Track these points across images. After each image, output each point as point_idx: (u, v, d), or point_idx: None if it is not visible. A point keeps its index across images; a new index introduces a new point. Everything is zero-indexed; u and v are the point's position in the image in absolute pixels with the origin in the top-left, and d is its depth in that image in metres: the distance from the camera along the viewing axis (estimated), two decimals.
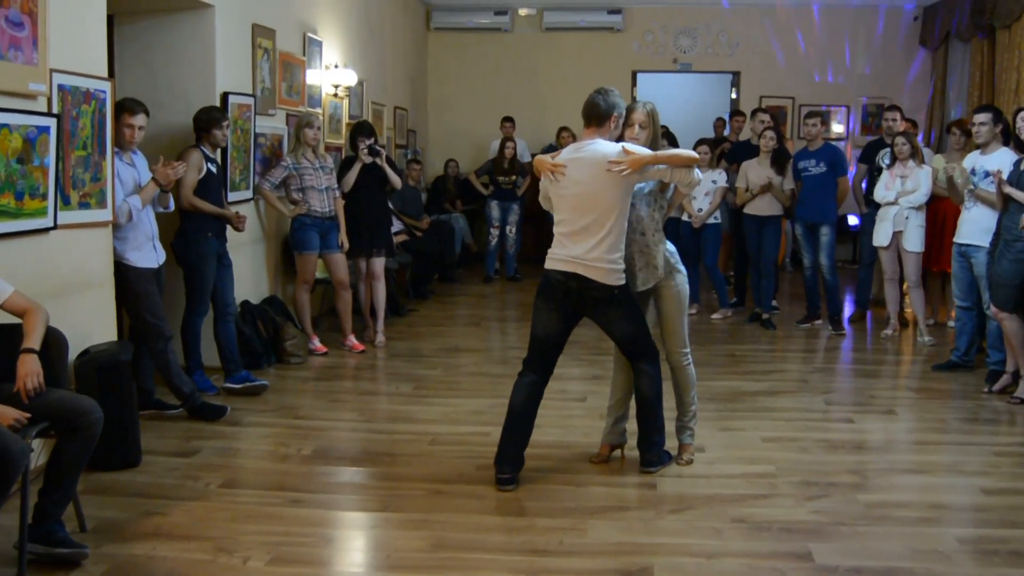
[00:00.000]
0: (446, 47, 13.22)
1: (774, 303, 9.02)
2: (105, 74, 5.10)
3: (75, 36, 4.83)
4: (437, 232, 10.75)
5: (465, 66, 13.25)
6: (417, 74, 12.65)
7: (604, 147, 4.39)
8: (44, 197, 4.56)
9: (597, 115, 4.45)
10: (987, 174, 6.29)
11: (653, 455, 4.69)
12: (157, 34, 6.42)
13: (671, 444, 4.84)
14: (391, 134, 11.03)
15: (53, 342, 3.98)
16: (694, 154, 4.50)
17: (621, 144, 4.42)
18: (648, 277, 4.62)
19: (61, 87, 4.68)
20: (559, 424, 5.42)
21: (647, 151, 4.41)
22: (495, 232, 11.09)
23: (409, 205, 10.54)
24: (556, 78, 12.99)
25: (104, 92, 5.05)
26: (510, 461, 4.54)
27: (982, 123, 6.45)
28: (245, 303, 6.87)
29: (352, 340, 7.45)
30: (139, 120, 5.33)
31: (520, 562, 3.69)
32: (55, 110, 4.62)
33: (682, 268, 4.73)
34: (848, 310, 8.93)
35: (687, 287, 4.75)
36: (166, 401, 5.67)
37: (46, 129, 4.54)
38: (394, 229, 9.45)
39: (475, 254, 11.95)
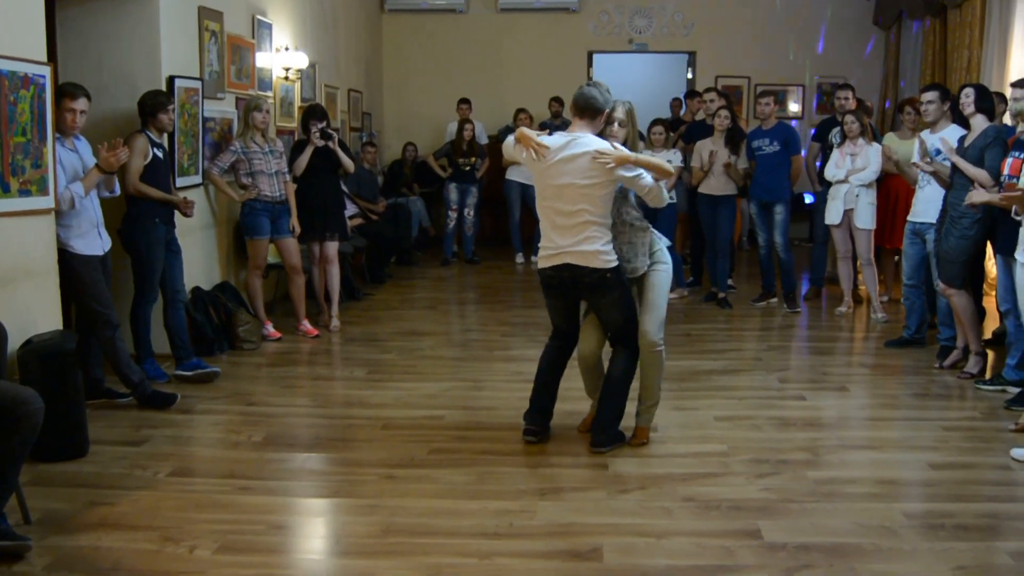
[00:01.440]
0: (401, 29, 13.10)
1: (730, 282, 9.07)
2: (44, 58, 4.98)
3: (11, 20, 4.71)
4: (393, 215, 10.69)
5: (421, 48, 13.14)
6: (372, 56, 12.53)
7: (595, 141, 4.46)
8: None
9: (593, 108, 4.51)
10: (938, 151, 6.33)
11: (606, 436, 4.70)
12: (100, 18, 6.29)
13: (627, 425, 4.84)
14: (345, 117, 10.93)
15: None
16: (670, 168, 4.63)
17: (610, 141, 4.53)
18: (637, 265, 4.68)
19: None
20: (512, 406, 5.39)
21: (630, 153, 4.49)
22: (453, 215, 11.04)
23: (365, 188, 10.45)
24: (513, 59, 12.94)
25: (43, 77, 4.93)
26: (536, 414, 4.86)
27: (929, 101, 6.49)
28: (196, 289, 6.79)
29: (306, 325, 7.39)
30: (80, 104, 5.21)
31: (469, 545, 3.67)
32: None
33: (667, 258, 4.78)
34: (803, 288, 8.98)
35: (671, 275, 4.82)
36: (116, 389, 5.60)
37: None
38: (349, 212, 9.40)
39: (433, 237, 11.90)
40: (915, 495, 4.20)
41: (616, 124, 4.66)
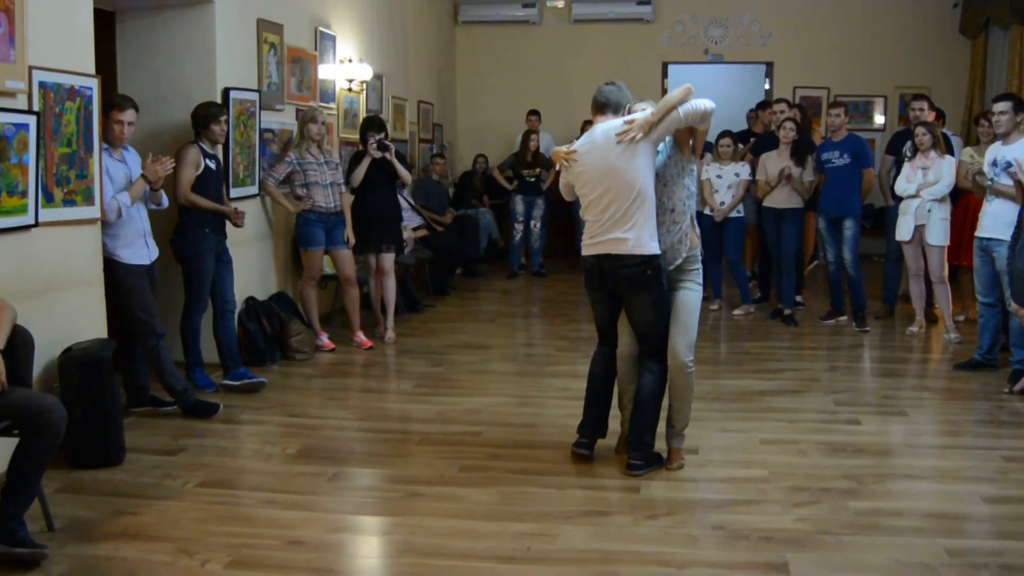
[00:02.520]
0: (474, 40, 13.11)
1: (799, 298, 8.81)
2: (92, 71, 5.07)
3: (59, 33, 4.82)
4: (460, 227, 10.66)
5: (494, 60, 13.13)
6: (444, 68, 12.55)
7: (610, 124, 4.45)
8: (24, 194, 4.54)
9: (615, 104, 4.53)
10: (1009, 164, 6.03)
11: (641, 457, 4.55)
12: (158, 31, 6.39)
13: (660, 448, 4.69)
14: (414, 129, 10.95)
15: (19, 341, 3.94)
16: (683, 89, 4.36)
17: (622, 118, 4.45)
18: (674, 255, 4.54)
19: (42, 84, 4.66)
20: (554, 423, 5.30)
21: (646, 115, 4.34)
22: (519, 227, 10.97)
23: (433, 200, 10.47)
24: (585, 71, 12.79)
25: (90, 89, 5.02)
26: (588, 426, 4.76)
27: (1002, 112, 6.18)
28: (250, 299, 6.84)
29: (360, 336, 7.38)
30: (128, 116, 5.29)
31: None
32: (36, 107, 4.60)
33: (701, 277, 4.70)
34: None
35: (701, 295, 4.70)
36: (161, 398, 5.65)
37: (24, 126, 4.51)
38: (415, 223, 9.41)
39: (502, 249, 11.82)
40: (963, 531, 3.92)
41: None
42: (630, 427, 4.65)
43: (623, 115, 4.50)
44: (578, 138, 10.36)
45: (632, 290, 4.49)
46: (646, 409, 4.58)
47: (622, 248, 4.41)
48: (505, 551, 3.72)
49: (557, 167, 4.75)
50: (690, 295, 4.57)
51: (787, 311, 8.28)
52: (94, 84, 5.04)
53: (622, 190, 4.37)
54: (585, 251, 4.59)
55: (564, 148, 4.60)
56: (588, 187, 4.51)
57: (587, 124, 10.74)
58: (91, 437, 4.68)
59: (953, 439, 5.22)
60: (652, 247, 4.42)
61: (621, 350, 4.72)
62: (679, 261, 4.54)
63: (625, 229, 4.38)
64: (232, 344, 6.21)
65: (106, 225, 5.23)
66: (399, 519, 4.10)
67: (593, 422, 4.77)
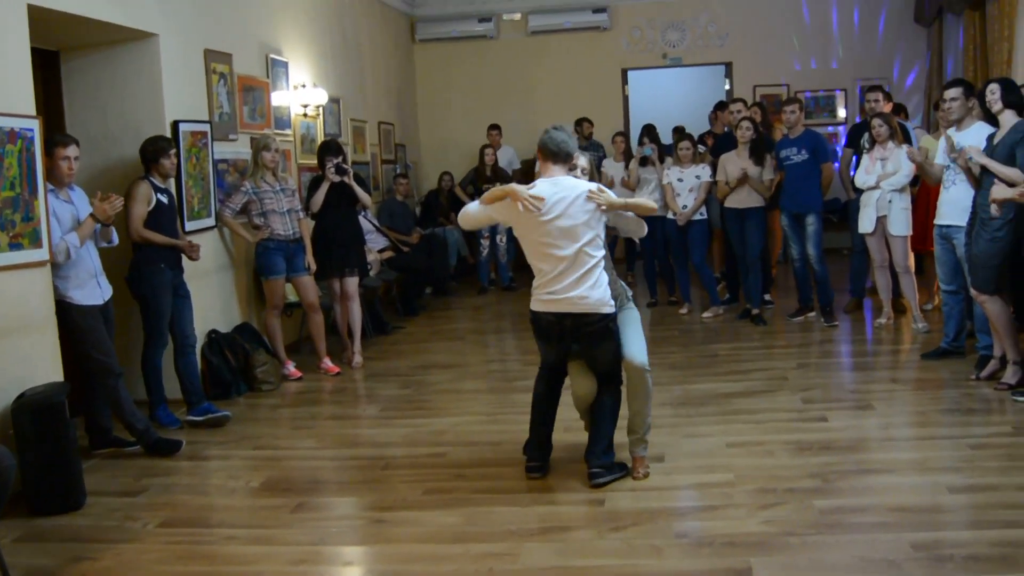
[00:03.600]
0: (433, 58, 13.09)
1: (767, 297, 8.80)
2: (32, 111, 5.01)
3: None
4: (428, 246, 10.61)
5: (453, 76, 13.11)
6: (403, 87, 12.53)
7: (580, 183, 4.50)
8: None
9: (567, 154, 4.53)
10: (962, 150, 6.03)
11: (603, 467, 4.52)
12: (104, 67, 6.34)
13: (623, 458, 4.66)
14: (376, 150, 10.91)
15: None
16: (653, 205, 4.74)
17: (582, 179, 4.61)
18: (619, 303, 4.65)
19: None
20: (519, 440, 5.20)
21: (616, 199, 4.51)
22: (485, 243, 10.93)
23: (398, 220, 10.42)
24: (546, 82, 12.84)
25: (31, 130, 4.95)
26: (536, 449, 4.73)
27: (953, 98, 6.19)
28: (213, 332, 6.77)
29: (327, 363, 7.32)
30: (72, 151, 5.23)
31: None
32: None
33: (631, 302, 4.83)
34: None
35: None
36: (124, 438, 5.57)
37: None
38: (380, 245, 9.37)
39: (472, 266, 11.77)
40: (927, 523, 3.88)
41: (579, 171, 4.71)
42: (590, 440, 4.64)
43: (571, 167, 4.60)
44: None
45: (594, 340, 4.52)
46: (604, 418, 4.61)
47: (586, 308, 4.43)
48: (467, 573, 3.67)
49: (487, 203, 4.61)
50: (631, 312, 4.74)
51: (755, 311, 8.27)
52: (35, 125, 4.98)
53: (587, 249, 4.40)
54: (542, 306, 4.55)
55: (526, 190, 4.43)
56: (549, 238, 4.41)
57: (585, 123, 10.84)
58: (50, 483, 4.61)
59: (920, 430, 5.22)
60: (612, 306, 4.49)
61: (581, 393, 4.71)
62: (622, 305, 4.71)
63: (585, 284, 4.41)
64: (194, 379, 6.15)
65: (56, 267, 5.16)
66: (361, 548, 4.07)
67: (541, 443, 4.75)
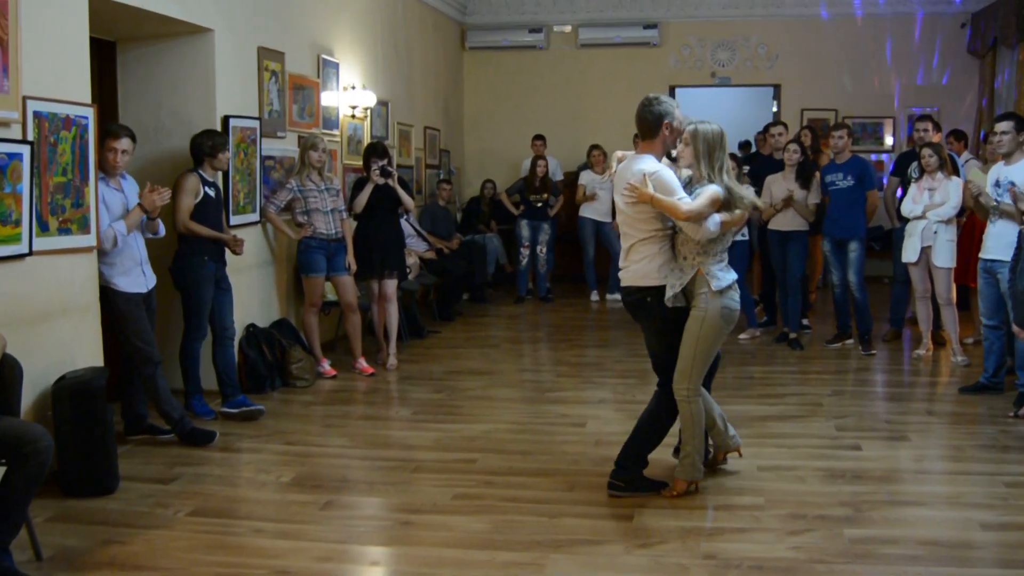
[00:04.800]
0: (482, 66, 13.14)
1: (805, 322, 8.74)
2: (88, 100, 5.10)
3: (54, 63, 4.85)
4: (467, 252, 10.64)
5: (501, 85, 13.16)
6: (451, 93, 12.59)
7: (640, 163, 4.41)
8: (17, 224, 4.56)
9: (646, 127, 4.45)
10: (1012, 184, 5.97)
11: (621, 479, 4.53)
12: (159, 60, 6.43)
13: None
14: (420, 155, 10.97)
15: (8, 369, 3.96)
16: (682, 210, 4.26)
17: (644, 172, 4.34)
18: (674, 297, 4.46)
19: (37, 114, 4.69)
20: (549, 451, 5.26)
21: (652, 194, 4.29)
22: (525, 252, 10.96)
23: (439, 225, 10.47)
24: (593, 95, 12.84)
25: (86, 118, 5.04)
26: (622, 462, 4.58)
27: (1004, 132, 6.14)
28: (251, 326, 6.83)
29: (362, 363, 7.36)
30: (123, 144, 5.30)
31: None
32: (30, 137, 4.62)
33: (708, 302, 4.41)
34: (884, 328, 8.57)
35: (722, 324, 4.46)
36: (158, 426, 5.63)
37: (18, 156, 4.53)
38: (421, 249, 9.41)
39: (510, 275, 11.80)
40: (958, 559, 3.84)
41: (681, 143, 4.51)
42: (623, 447, 4.66)
43: (666, 133, 4.41)
44: (586, 165, 10.34)
45: (637, 317, 4.63)
46: (637, 433, 4.61)
47: (627, 279, 4.56)
48: None
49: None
50: (697, 320, 4.44)
51: (793, 335, 8.22)
52: (90, 113, 5.07)
53: (630, 225, 4.52)
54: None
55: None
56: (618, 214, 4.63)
57: (593, 149, 10.88)
58: (84, 466, 4.67)
59: (955, 464, 5.15)
60: (650, 279, 4.47)
61: None
62: (677, 303, 4.48)
63: (630, 259, 4.54)
64: (231, 371, 6.20)
65: (102, 253, 5.25)
66: (388, 548, 4.08)
67: (623, 459, 4.63)
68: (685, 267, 4.45)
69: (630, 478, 4.55)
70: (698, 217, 4.27)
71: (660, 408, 4.59)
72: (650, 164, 4.39)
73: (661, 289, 4.43)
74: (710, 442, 4.82)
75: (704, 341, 4.45)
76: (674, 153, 4.60)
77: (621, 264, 4.60)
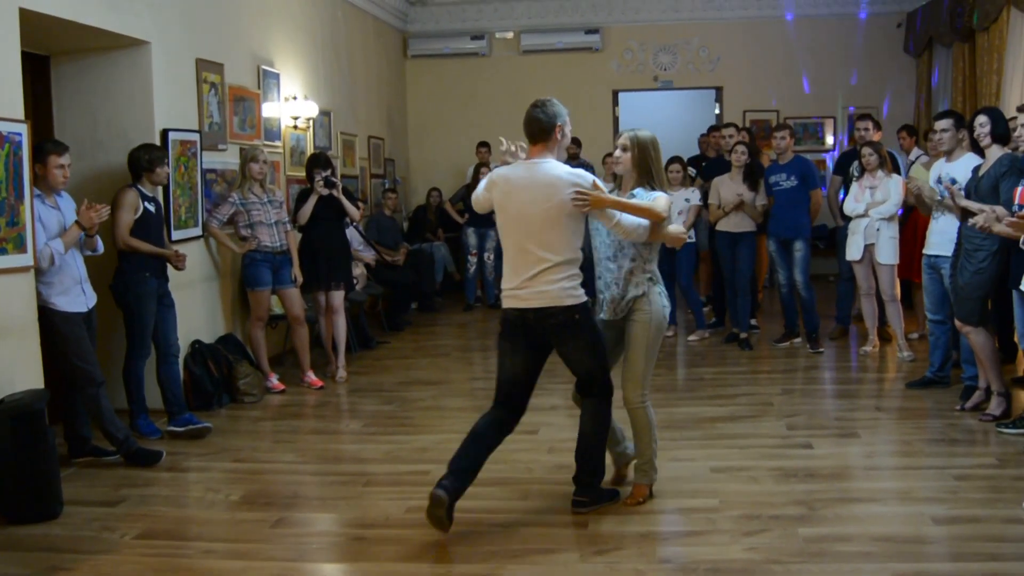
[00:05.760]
0: (424, 74, 13.07)
1: (753, 322, 8.79)
2: (21, 116, 4.98)
3: None
4: (415, 262, 10.58)
5: (444, 93, 13.11)
6: (395, 102, 12.51)
7: (557, 168, 4.22)
8: None
9: (541, 130, 4.24)
10: (953, 181, 6.06)
11: (585, 495, 4.46)
12: (94, 73, 6.30)
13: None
14: (365, 164, 10.88)
15: None
16: (660, 211, 4.26)
17: (593, 177, 4.26)
18: (616, 309, 4.45)
19: None
20: (502, 459, 5.12)
21: (609, 196, 4.24)
22: (473, 259, 10.92)
23: (386, 235, 10.39)
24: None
25: (19, 135, 4.92)
26: (451, 475, 4.18)
27: (943, 130, 6.22)
28: (196, 343, 6.72)
29: (310, 376, 7.27)
30: (67, 159, 5.21)
31: None
32: None
33: (649, 305, 4.43)
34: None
35: (652, 324, 4.44)
36: (103, 447, 5.50)
37: None
38: (371, 256, 9.33)
39: (458, 283, 11.74)
40: (911, 554, 3.86)
41: (619, 149, 4.46)
42: (576, 464, 4.50)
43: (558, 135, 4.23)
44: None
45: (562, 337, 4.30)
46: (587, 448, 4.44)
47: (547, 300, 4.21)
48: None
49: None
50: (633, 327, 4.45)
51: (742, 335, 8.28)
52: (23, 129, 4.94)
53: (547, 235, 4.23)
54: (506, 303, 4.35)
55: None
56: (512, 223, 4.29)
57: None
58: (26, 491, 4.55)
59: (905, 459, 5.21)
60: (576, 297, 4.25)
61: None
62: (620, 315, 4.48)
63: (547, 275, 4.21)
64: (176, 389, 6.09)
65: (40, 273, 5.11)
66: (342, 565, 4.04)
67: (453, 473, 4.21)
68: (636, 273, 4.43)
69: (594, 494, 4.47)
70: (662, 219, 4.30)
71: (602, 415, 4.45)
72: (570, 171, 4.23)
73: (585, 304, 4.30)
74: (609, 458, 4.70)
75: (653, 345, 4.47)
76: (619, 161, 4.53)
77: (523, 284, 4.22)
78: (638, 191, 4.42)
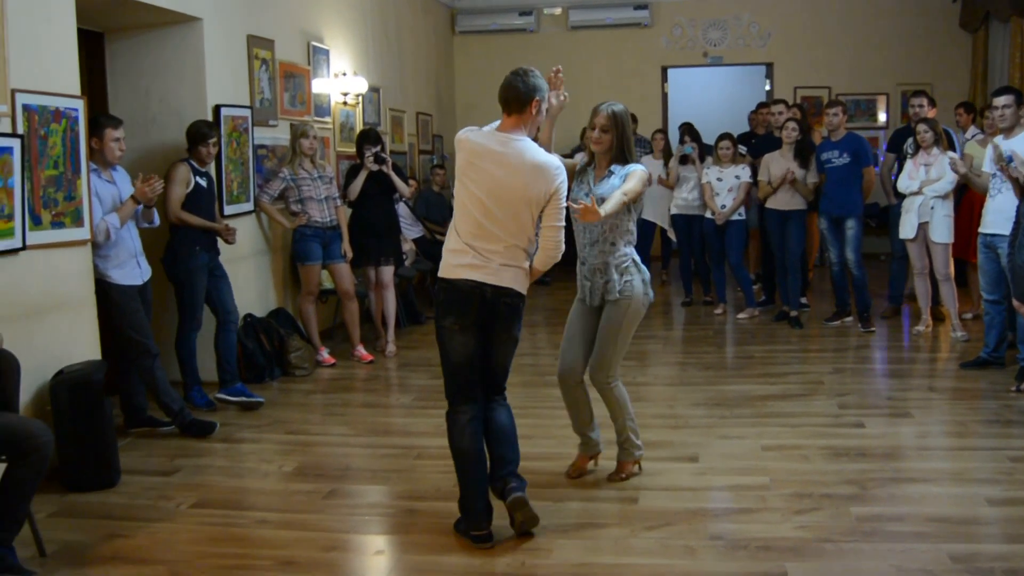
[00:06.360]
0: (472, 50, 13.06)
1: (804, 300, 8.71)
2: (77, 92, 5.05)
3: (43, 56, 4.79)
4: None
5: (492, 69, 12.94)
6: (443, 79, 12.52)
7: (539, 154, 3.87)
8: (10, 218, 4.51)
9: (517, 99, 3.83)
10: (1010, 159, 5.94)
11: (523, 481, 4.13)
12: (148, 49, 6.37)
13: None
14: (413, 140, 10.91)
15: (5, 365, 3.90)
16: (640, 181, 4.19)
17: (591, 196, 4.09)
18: (611, 289, 4.33)
19: (26, 107, 4.64)
20: (549, 434, 5.23)
21: (605, 208, 3.99)
22: None
23: (434, 211, 10.40)
24: (584, 77, 12.68)
25: (76, 110, 4.99)
26: (483, 514, 3.89)
27: (1005, 106, 6.12)
28: (249, 316, 6.79)
29: (360, 350, 7.33)
30: (121, 132, 5.31)
31: None
32: (19, 130, 4.57)
33: (644, 292, 4.37)
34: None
35: (640, 312, 4.40)
36: (158, 418, 5.60)
37: (8, 150, 4.49)
38: (415, 235, 9.36)
39: None
40: (966, 535, 3.82)
41: (598, 130, 4.26)
42: (496, 457, 4.05)
43: (533, 110, 3.84)
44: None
45: (505, 322, 3.96)
46: (512, 441, 4.10)
47: (507, 279, 3.88)
48: (499, 567, 3.66)
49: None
50: (623, 310, 4.35)
51: (792, 313, 8.20)
52: (80, 105, 5.02)
53: (515, 213, 3.85)
54: (458, 273, 3.89)
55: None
56: (479, 196, 3.85)
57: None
58: (85, 460, 4.64)
59: (959, 440, 5.14)
60: (526, 284, 3.99)
61: (567, 366, 4.50)
62: (613, 297, 4.35)
63: (510, 252, 3.87)
64: (231, 357, 6.15)
65: (96, 246, 5.20)
66: (394, 536, 4.07)
67: (484, 511, 3.91)
68: (618, 257, 4.33)
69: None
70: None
71: (509, 410, 4.19)
72: (545, 156, 3.90)
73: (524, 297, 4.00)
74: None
75: (629, 329, 4.39)
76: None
77: (485, 257, 3.84)
78: (614, 167, 4.32)
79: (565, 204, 3.92)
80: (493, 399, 4.14)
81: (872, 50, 12.29)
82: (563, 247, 3.96)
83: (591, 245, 4.36)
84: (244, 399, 6.02)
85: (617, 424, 4.55)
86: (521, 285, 3.93)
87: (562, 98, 4.18)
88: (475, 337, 3.93)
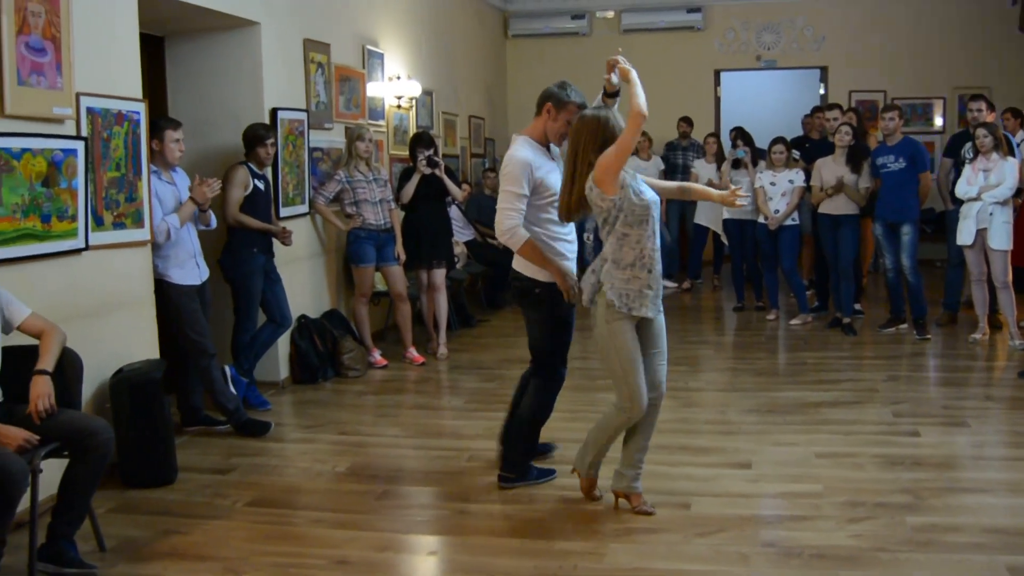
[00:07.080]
0: (525, 54, 13.09)
1: (858, 307, 8.62)
2: (139, 95, 5.14)
3: (106, 60, 4.89)
4: None
5: (545, 72, 13.00)
6: (495, 82, 12.56)
7: (518, 151, 4.37)
8: (73, 219, 4.61)
9: (538, 102, 4.50)
10: None
11: (512, 471, 4.55)
12: (206, 53, 6.47)
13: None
14: (465, 144, 10.96)
15: (68, 363, 3.98)
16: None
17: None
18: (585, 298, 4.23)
19: (90, 110, 4.73)
20: None
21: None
22: None
23: (485, 214, 10.42)
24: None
25: (138, 113, 5.09)
26: (511, 456, 4.61)
27: None
28: (302, 317, 6.87)
29: (412, 352, 7.38)
30: (181, 134, 5.40)
31: None
32: (83, 133, 4.67)
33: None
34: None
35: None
36: (214, 417, 5.69)
37: (73, 152, 4.58)
38: (467, 237, 9.41)
39: None
40: (1023, 546, 3.78)
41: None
42: (505, 441, 4.68)
43: (546, 116, 4.51)
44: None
45: (524, 304, 4.53)
46: (519, 426, 4.62)
47: (517, 264, 4.45)
48: (549, 570, 3.67)
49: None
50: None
51: (846, 320, 8.11)
52: (141, 108, 5.12)
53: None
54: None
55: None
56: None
57: (682, 122, 10.79)
58: (143, 457, 4.74)
59: (1016, 450, 5.05)
60: (543, 274, 4.33)
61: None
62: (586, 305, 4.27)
63: None
64: (261, 352, 6.20)
65: (156, 247, 5.30)
66: (446, 537, 4.09)
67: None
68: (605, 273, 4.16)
69: (522, 471, 4.56)
70: None
71: (541, 401, 4.59)
72: (520, 151, 4.35)
73: (552, 284, 4.29)
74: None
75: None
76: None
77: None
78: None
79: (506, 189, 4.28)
80: (532, 379, 4.65)
81: (928, 54, 12.13)
82: (502, 228, 4.28)
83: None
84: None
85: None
86: (524, 267, 4.35)
87: (618, 73, 4.36)
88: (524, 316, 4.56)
